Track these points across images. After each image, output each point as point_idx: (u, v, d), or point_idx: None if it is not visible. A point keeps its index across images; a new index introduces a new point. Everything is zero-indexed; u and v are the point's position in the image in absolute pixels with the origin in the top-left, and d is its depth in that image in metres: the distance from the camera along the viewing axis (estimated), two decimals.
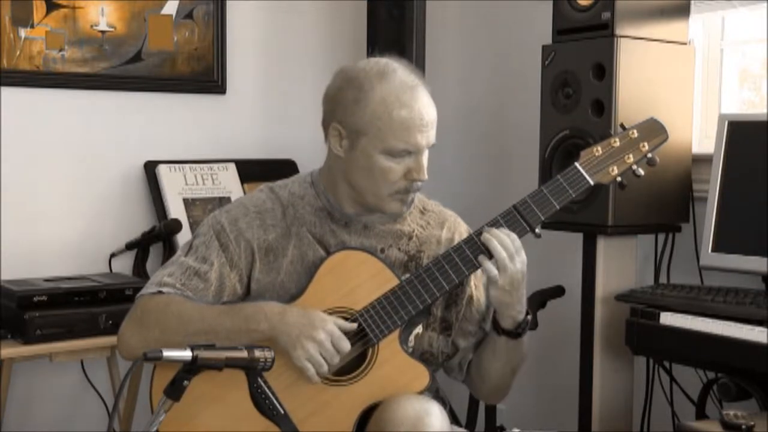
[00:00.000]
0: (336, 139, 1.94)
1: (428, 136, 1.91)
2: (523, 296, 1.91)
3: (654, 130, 1.99)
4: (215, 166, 3.23)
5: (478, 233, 1.91)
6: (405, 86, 1.89)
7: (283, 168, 3.24)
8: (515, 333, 1.93)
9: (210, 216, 2.01)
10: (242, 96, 3.38)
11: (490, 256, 1.87)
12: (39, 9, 2.99)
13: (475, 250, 1.89)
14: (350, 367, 1.88)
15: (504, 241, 1.86)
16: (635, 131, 1.98)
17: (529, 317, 1.95)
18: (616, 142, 1.97)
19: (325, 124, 1.96)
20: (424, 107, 1.90)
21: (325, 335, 1.81)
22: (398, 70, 1.92)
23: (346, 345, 1.83)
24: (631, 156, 1.96)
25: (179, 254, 1.99)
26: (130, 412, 2.97)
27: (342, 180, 1.97)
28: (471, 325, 2.03)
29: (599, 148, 1.97)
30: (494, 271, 1.85)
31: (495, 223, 1.91)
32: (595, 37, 2.58)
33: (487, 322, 2.03)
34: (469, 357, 2.05)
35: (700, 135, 2.90)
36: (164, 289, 1.92)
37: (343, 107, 1.91)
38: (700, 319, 2.26)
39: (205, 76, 3.30)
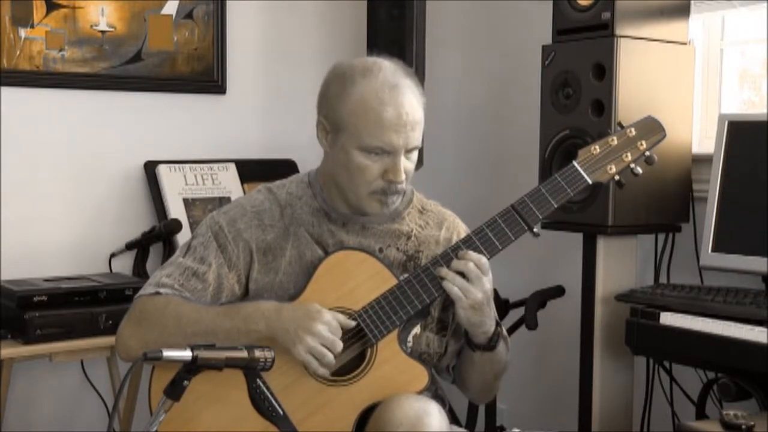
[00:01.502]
0: (322, 133, 1.95)
1: (406, 137, 1.87)
2: (490, 312, 1.91)
3: (651, 128, 1.98)
4: (215, 166, 3.23)
5: (477, 233, 1.91)
6: (386, 84, 1.87)
7: (283, 168, 3.24)
8: (489, 346, 1.94)
9: (208, 217, 2.01)
10: (242, 96, 3.38)
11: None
12: (39, 9, 2.99)
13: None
14: (349, 368, 1.88)
15: (467, 268, 1.86)
16: (633, 129, 1.97)
17: (500, 329, 1.96)
18: (614, 141, 1.96)
19: (316, 119, 1.97)
20: (404, 107, 1.87)
21: (322, 326, 1.80)
22: (385, 69, 1.90)
23: (341, 332, 1.82)
24: (629, 154, 1.96)
25: (177, 255, 1.98)
26: (130, 412, 2.97)
27: (330, 178, 1.97)
28: (463, 327, 2.03)
29: (597, 147, 1.96)
30: (462, 298, 1.86)
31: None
32: (595, 37, 2.58)
33: None
34: (455, 361, 2.05)
35: (700, 135, 2.90)
36: (162, 290, 1.92)
37: (327, 101, 1.92)
38: (700, 319, 2.26)
39: (205, 76, 3.30)
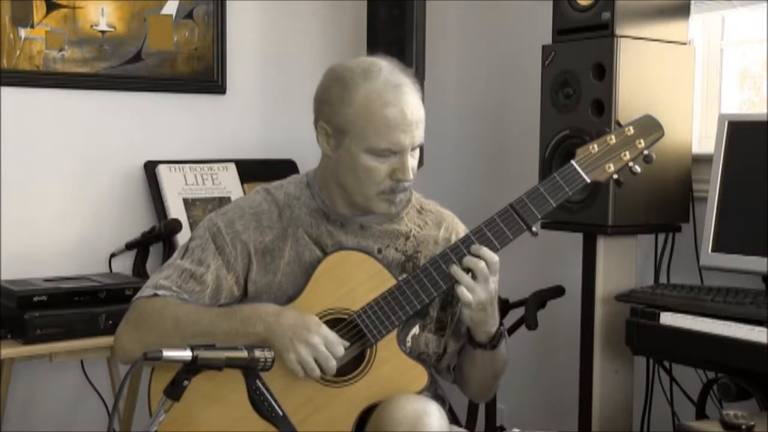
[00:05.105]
0: (324, 138, 1.94)
1: (412, 135, 1.88)
2: (494, 312, 1.92)
3: (650, 126, 1.98)
4: (215, 166, 3.23)
5: (475, 233, 1.91)
6: (389, 85, 1.87)
7: (283, 168, 3.24)
8: (490, 345, 1.95)
9: (206, 218, 2.01)
10: (242, 96, 3.38)
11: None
12: (39, 9, 2.99)
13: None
14: (349, 368, 1.88)
15: (477, 267, 1.86)
16: (631, 128, 1.97)
17: (502, 329, 1.96)
18: (612, 140, 1.96)
19: (315, 123, 1.96)
20: (408, 106, 1.88)
21: (319, 339, 1.81)
22: (384, 69, 1.90)
23: (340, 350, 1.83)
24: (627, 153, 1.96)
25: (175, 257, 1.98)
26: (130, 412, 2.97)
27: (332, 180, 1.97)
28: (463, 326, 2.03)
29: (595, 146, 1.96)
30: (468, 297, 1.85)
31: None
32: (595, 37, 2.58)
33: None
34: (455, 360, 2.05)
35: (700, 135, 2.90)
36: (160, 292, 1.91)
37: (329, 106, 1.91)
38: (700, 319, 2.26)
39: (205, 76, 3.30)
